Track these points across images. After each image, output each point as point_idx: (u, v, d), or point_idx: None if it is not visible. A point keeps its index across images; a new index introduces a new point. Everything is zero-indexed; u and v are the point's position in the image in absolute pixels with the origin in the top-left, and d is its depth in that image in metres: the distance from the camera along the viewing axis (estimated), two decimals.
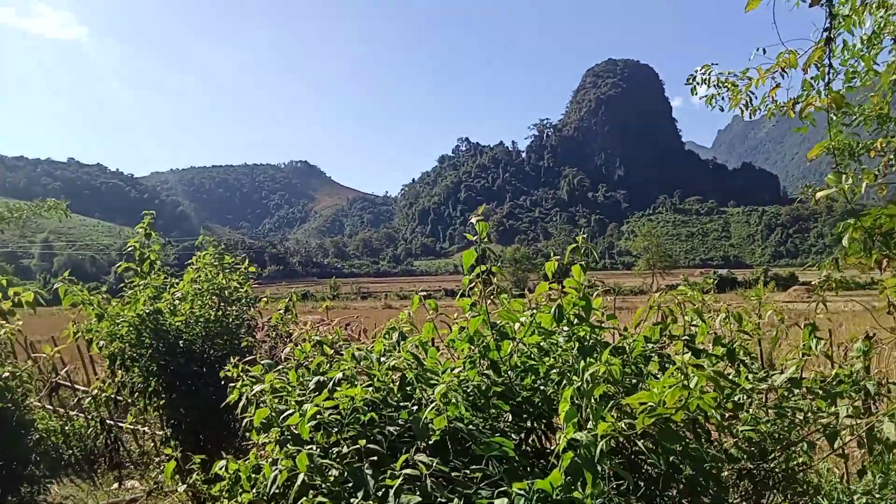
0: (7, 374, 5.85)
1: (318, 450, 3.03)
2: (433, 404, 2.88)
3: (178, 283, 6.32)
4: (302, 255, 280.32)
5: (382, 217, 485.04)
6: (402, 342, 3.50)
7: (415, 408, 3.12)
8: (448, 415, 2.89)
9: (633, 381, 3.13)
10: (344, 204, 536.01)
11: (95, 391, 6.46)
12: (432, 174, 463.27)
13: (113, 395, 6.34)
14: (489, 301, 3.31)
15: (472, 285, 3.27)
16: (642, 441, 2.68)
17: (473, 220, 3.11)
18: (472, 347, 3.31)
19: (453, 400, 2.98)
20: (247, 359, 4.00)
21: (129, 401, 6.59)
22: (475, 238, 3.16)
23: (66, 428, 9.18)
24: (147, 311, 5.72)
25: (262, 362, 3.84)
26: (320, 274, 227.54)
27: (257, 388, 3.46)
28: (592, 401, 2.56)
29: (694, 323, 3.57)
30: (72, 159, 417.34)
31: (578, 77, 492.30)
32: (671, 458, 2.70)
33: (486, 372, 3.15)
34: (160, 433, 6.42)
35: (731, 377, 3.23)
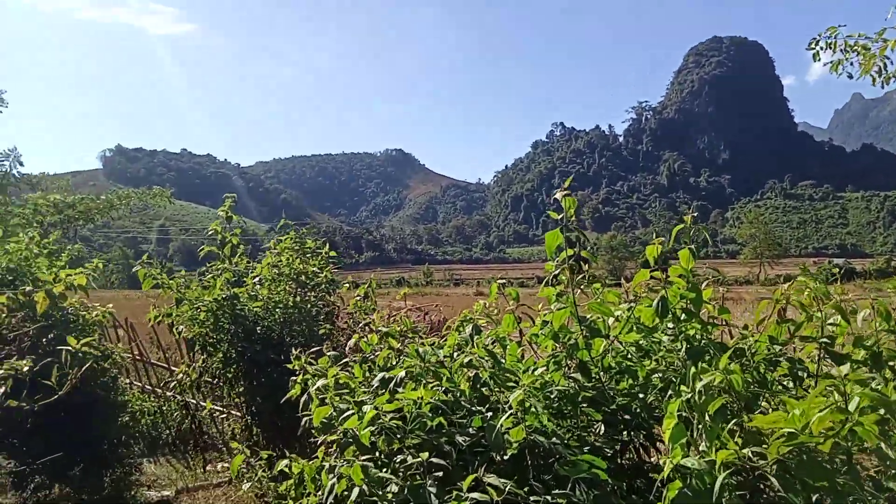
0: (98, 354, 5.90)
1: (382, 456, 2.68)
2: (511, 411, 2.45)
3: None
4: (397, 242, 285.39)
5: (475, 204, 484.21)
6: (476, 336, 3.07)
7: (489, 414, 2.68)
8: (527, 424, 2.44)
9: (755, 390, 2.57)
10: (437, 191, 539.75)
11: (181, 375, 6.47)
12: (525, 160, 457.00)
13: (196, 380, 6.31)
14: (578, 291, 2.83)
15: (557, 272, 2.75)
16: (772, 468, 2.14)
17: (559, 195, 2.57)
18: (558, 345, 2.84)
19: (533, 407, 2.53)
20: (313, 349, 3.70)
21: (214, 384, 6.59)
22: (560, 216, 2.63)
23: (164, 408, 9.43)
24: (224, 295, 5.59)
25: (329, 354, 3.54)
26: (415, 260, 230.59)
27: (320, 382, 3.15)
28: (707, 418, 2.04)
29: (831, 321, 2.93)
30: (184, 150, 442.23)
31: (680, 57, 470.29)
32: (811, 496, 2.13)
33: (573, 375, 2.67)
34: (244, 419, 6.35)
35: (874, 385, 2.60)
